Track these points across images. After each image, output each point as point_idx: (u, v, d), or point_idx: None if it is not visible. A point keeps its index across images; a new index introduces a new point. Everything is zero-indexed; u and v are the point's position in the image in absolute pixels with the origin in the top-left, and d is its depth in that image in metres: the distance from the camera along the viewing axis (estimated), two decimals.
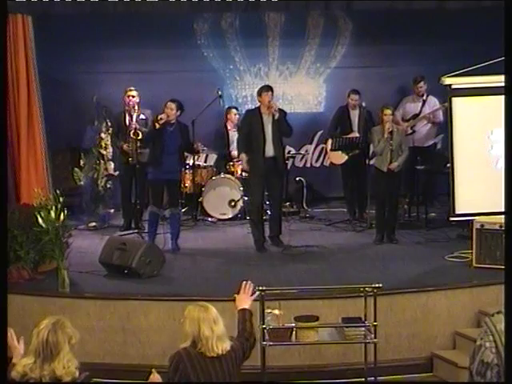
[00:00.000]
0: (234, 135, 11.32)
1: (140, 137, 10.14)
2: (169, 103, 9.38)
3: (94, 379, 4.54)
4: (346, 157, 10.71)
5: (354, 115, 10.81)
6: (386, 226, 9.77)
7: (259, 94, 9.53)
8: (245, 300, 5.24)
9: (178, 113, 9.40)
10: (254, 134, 9.43)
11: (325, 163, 12.18)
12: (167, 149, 9.33)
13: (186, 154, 10.13)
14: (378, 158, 9.68)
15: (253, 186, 9.80)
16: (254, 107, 10.07)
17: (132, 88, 10.48)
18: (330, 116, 11.39)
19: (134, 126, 10.24)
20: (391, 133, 9.58)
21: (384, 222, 9.78)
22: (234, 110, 11.34)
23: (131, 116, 10.40)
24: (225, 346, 4.71)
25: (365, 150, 10.35)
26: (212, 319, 4.70)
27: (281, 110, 9.53)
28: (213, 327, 4.67)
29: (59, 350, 4.29)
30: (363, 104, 10.76)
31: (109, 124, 10.67)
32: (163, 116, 9.25)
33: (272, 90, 9.51)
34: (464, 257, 8.84)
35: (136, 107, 10.38)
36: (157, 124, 9.25)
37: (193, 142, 10.05)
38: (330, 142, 10.87)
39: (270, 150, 9.42)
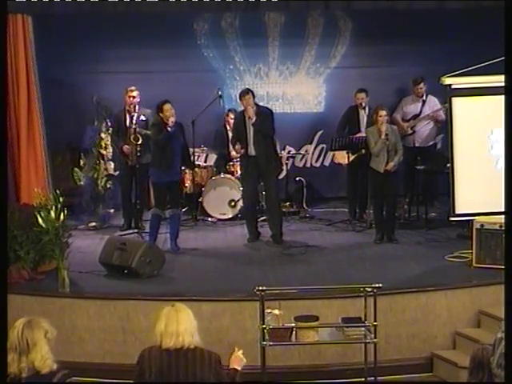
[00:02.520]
0: None
1: (140, 141, 10.15)
2: (167, 106, 9.39)
3: (82, 378, 4.59)
4: (352, 157, 10.67)
5: (363, 115, 10.79)
6: (386, 226, 9.78)
7: (239, 97, 9.81)
8: (235, 362, 4.99)
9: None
10: (239, 135, 9.78)
11: (325, 163, 12.19)
12: (175, 151, 9.44)
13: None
14: (375, 159, 9.68)
15: (243, 185, 10.23)
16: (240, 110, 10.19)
17: (133, 88, 10.47)
18: (332, 116, 11.41)
19: (133, 129, 10.23)
20: (386, 133, 9.58)
21: (383, 222, 9.79)
22: (230, 114, 11.34)
23: (131, 116, 10.39)
24: (192, 339, 4.65)
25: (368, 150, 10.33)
26: (177, 315, 4.68)
27: (264, 111, 9.74)
28: (176, 320, 4.65)
29: (35, 342, 4.37)
30: (364, 103, 10.77)
31: (109, 124, 10.67)
32: (172, 119, 9.30)
33: (252, 93, 9.72)
34: (464, 257, 8.84)
35: (137, 107, 10.38)
36: (169, 128, 9.29)
37: (191, 148, 10.23)
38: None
39: (251, 150, 9.70)
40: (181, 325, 4.65)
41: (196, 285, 8.35)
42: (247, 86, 11.95)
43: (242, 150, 9.74)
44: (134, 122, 10.33)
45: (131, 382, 4.81)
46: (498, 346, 3.99)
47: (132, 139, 10.19)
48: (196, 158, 11.11)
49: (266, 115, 9.69)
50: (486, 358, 4.31)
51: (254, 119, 9.59)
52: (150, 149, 9.83)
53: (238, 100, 9.92)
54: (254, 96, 9.73)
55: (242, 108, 9.86)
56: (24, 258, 8.33)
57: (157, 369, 4.64)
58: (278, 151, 11.12)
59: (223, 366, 4.78)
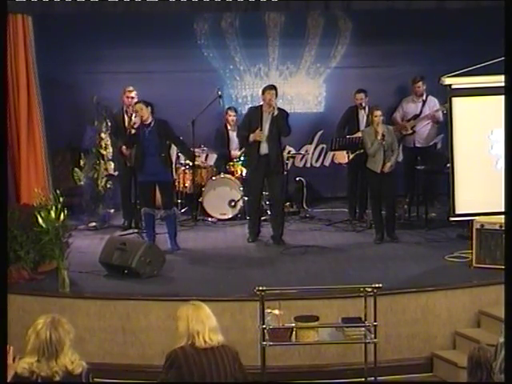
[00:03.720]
0: (233, 135, 11.33)
1: None
2: (137, 105, 9.43)
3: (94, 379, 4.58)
4: (352, 156, 10.67)
5: (362, 116, 10.78)
6: (385, 225, 9.78)
7: (263, 92, 9.72)
8: None
9: (149, 110, 9.37)
10: (252, 131, 9.61)
11: (325, 163, 12.20)
12: (148, 150, 9.36)
13: (180, 154, 10.19)
14: (371, 160, 9.68)
15: (250, 182, 10.14)
16: (257, 105, 10.17)
17: (131, 88, 10.46)
18: (332, 116, 11.42)
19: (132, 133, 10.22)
20: (383, 134, 9.58)
21: (382, 222, 9.79)
22: (230, 112, 11.34)
23: (130, 117, 10.36)
24: (219, 337, 4.75)
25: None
26: (202, 314, 4.74)
27: (282, 110, 9.69)
28: (204, 320, 4.71)
29: (63, 346, 4.37)
30: (364, 103, 10.78)
31: (109, 124, 10.65)
32: (136, 120, 9.30)
33: (276, 90, 9.64)
34: (464, 257, 8.84)
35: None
36: (132, 129, 9.30)
37: (192, 148, 10.18)
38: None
39: (264, 148, 9.61)
40: (210, 323, 4.73)
41: (196, 285, 8.35)
42: (248, 86, 12.04)
43: (261, 133, 9.52)
44: (132, 122, 10.29)
45: (131, 381, 4.80)
46: (500, 352, 3.97)
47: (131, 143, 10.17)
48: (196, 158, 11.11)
49: (284, 115, 9.64)
50: (483, 357, 4.30)
51: (276, 112, 9.47)
52: None
53: (260, 94, 9.82)
54: (276, 94, 9.65)
55: (259, 103, 9.82)
56: (24, 258, 8.33)
57: (199, 370, 4.67)
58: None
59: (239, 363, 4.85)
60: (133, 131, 9.31)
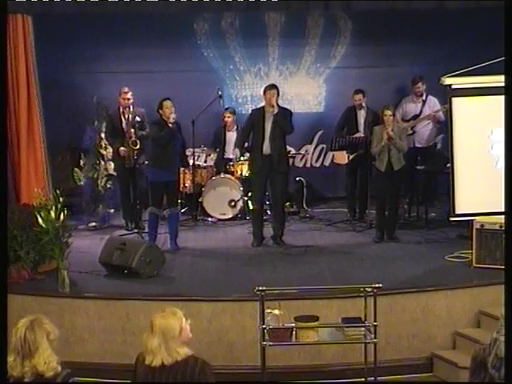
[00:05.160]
0: (230, 136, 11.33)
1: (138, 146, 10.16)
2: (167, 102, 9.39)
3: (82, 378, 4.55)
4: (351, 156, 10.68)
5: (361, 116, 10.80)
6: (387, 225, 9.78)
7: (264, 92, 9.68)
8: None
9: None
10: (255, 132, 9.62)
11: (325, 163, 12.20)
12: (175, 149, 9.44)
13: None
14: (378, 159, 9.69)
15: (253, 183, 10.02)
16: (258, 106, 10.19)
17: (126, 89, 10.40)
18: (332, 116, 11.42)
19: (132, 133, 10.20)
20: (389, 135, 9.56)
21: (384, 221, 9.79)
22: (226, 113, 11.31)
23: (127, 118, 10.35)
24: (151, 358, 4.44)
25: (368, 150, 10.33)
26: (151, 328, 4.46)
27: (285, 109, 9.68)
28: (146, 337, 4.48)
29: (37, 347, 4.31)
30: (363, 104, 10.77)
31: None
32: (173, 116, 9.31)
33: (277, 89, 9.60)
34: (464, 257, 8.84)
35: (131, 108, 10.35)
36: (170, 125, 9.29)
37: (192, 148, 10.10)
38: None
39: (267, 148, 9.55)
40: (154, 342, 4.43)
41: (196, 285, 8.35)
42: (248, 86, 12.04)
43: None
44: (129, 123, 10.28)
45: (131, 382, 4.79)
46: (493, 347, 3.95)
47: (130, 144, 10.18)
48: (196, 157, 11.11)
49: (286, 113, 9.60)
50: (487, 357, 4.30)
51: (276, 110, 9.41)
52: (147, 148, 9.85)
53: (262, 94, 9.76)
54: (278, 94, 9.61)
55: (261, 105, 9.81)
56: (24, 258, 8.32)
57: (138, 380, 4.57)
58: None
59: (209, 373, 4.45)
60: (170, 126, 9.30)
